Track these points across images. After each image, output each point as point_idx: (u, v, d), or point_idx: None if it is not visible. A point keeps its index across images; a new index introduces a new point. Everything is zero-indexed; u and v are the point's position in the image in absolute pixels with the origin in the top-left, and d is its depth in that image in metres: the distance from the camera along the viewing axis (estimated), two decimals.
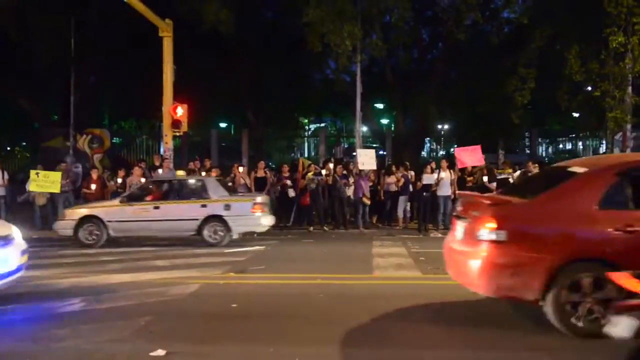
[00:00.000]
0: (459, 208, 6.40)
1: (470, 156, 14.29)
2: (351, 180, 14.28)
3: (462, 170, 14.50)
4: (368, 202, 14.24)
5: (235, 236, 11.94)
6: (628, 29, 14.98)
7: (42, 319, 6.06)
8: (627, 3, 14.60)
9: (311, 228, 13.97)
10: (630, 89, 15.78)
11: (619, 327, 3.51)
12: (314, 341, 5.28)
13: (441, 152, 34.35)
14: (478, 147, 14.32)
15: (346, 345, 5.12)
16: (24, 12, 18.21)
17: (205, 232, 11.65)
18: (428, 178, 14.32)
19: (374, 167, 14.72)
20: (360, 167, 14.37)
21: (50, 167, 14.69)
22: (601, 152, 21.63)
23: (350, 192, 14.11)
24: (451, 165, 14.58)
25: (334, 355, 4.89)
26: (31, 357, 4.92)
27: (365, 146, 19.99)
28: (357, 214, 14.21)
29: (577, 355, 4.92)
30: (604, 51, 15.45)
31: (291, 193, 14.18)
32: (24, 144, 28.24)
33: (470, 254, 5.58)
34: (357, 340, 5.31)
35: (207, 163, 15.56)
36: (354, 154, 18.92)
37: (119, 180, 14.09)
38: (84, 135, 21.71)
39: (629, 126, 16.39)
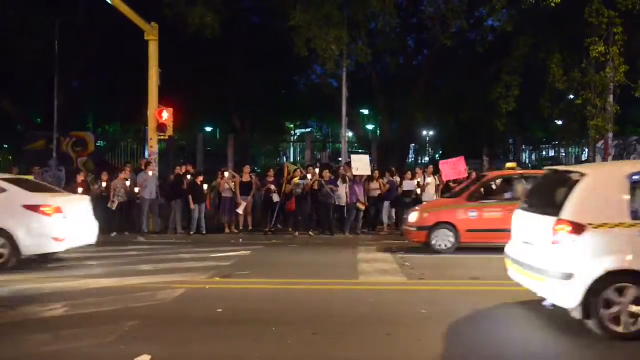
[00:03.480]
0: None
1: (453, 169, 13.98)
2: (343, 185, 14.08)
3: None
4: (362, 207, 14.17)
5: None
6: (609, 39, 15.22)
7: (25, 324, 5.99)
8: (607, 14, 14.85)
9: (297, 233, 13.96)
10: (611, 97, 16.02)
11: None
12: (298, 346, 5.31)
13: (425, 159, 34.61)
14: (461, 159, 14.06)
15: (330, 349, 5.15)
16: (6, 13, 18.01)
17: None
18: (408, 184, 14.42)
19: (369, 172, 14.66)
20: (355, 172, 14.26)
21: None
22: (584, 159, 21.90)
23: (342, 196, 13.97)
24: (436, 172, 14.70)
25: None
26: None
27: (352, 152, 20.06)
28: (348, 219, 14.13)
29: None
30: (585, 60, 15.69)
31: (275, 198, 14.14)
32: (6, 146, 27.85)
33: None
34: (338, 345, 5.36)
35: (185, 168, 14.62)
36: (339, 159, 18.95)
37: (103, 185, 13.98)
38: (68, 139, 21.52)
39: (610, 134, 16.65)
